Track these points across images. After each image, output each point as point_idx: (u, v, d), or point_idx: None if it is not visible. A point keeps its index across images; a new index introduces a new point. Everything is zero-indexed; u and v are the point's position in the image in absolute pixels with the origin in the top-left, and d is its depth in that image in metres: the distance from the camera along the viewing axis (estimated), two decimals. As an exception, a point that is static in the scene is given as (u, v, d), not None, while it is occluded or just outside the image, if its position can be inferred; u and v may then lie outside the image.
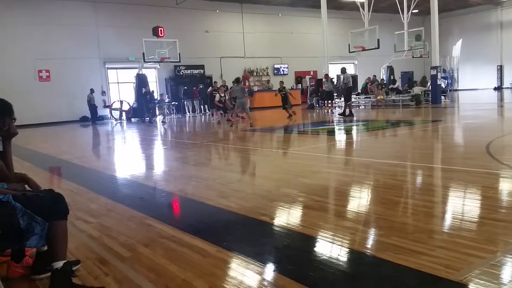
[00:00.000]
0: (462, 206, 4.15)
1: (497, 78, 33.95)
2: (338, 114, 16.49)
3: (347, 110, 16.61)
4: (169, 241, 3.51)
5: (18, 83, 20.52)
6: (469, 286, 2.44)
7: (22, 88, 20.44)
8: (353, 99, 23.68)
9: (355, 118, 15.57)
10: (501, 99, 23.59)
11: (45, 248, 2.66)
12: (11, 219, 2.25)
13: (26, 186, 2.99)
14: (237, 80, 15.49)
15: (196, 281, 2.71)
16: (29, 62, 21.49)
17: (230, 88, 17.99)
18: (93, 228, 3.99)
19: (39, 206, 2.41)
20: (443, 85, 23.60)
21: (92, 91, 21.76)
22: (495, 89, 33.01)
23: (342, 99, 18.64)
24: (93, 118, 21.83)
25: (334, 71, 25.85)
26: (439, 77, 21.11)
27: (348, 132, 12.22)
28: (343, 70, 17.37)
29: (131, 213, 4.46)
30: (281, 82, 18.87)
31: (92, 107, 21.81)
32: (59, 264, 2.49)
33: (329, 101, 21.54)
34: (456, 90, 34.38)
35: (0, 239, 2.18)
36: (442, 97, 21.84)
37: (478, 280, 2.48)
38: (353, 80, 26.72)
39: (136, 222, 4.12)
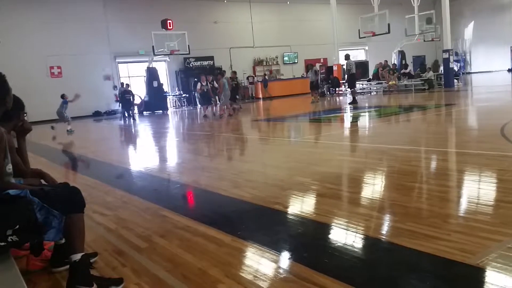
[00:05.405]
0: (477, 189, 4.11)
1: (511, 59, 33.28)
2: (349, 103, 16.36)
3: (351, 97, 16.55)
4: (184, 231, 3.54)
5: (30, 80, 20.67)
6: (485, 270, 2.42)
7: (35, 85, 20.62)
8: (364, 85, 23.59)
9: (358, 105, 15.46)
10: (515, 80, 23.17)
11: (63, 241, 2.70)
12: (29, 214, 2.28)
13: (42, 181, 3.04)
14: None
15: (212, 270, 2.73)
16: (41, 59, 21.68)
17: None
18: (110, 221, 4.04)
19: (56, 200, 2.44)
20: (455, 68, 23.25)
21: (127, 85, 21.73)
22: (509, 70, 32.40)
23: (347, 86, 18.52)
24: (127, 112, 20.95)
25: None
26: (451, 60, 20.80)
27: (360, 118, 12.14)
28: (347, 57, 17.22)
29: (146, 205, 4.51)
30: (234, 73, 18.92)
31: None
32: (77, 256, 2.53)
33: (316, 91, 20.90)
34: (469, 73, 33.90)
35: (18, 233, 2.22)
36: (455, 80, 21.53)
37: (495, 264, 2.46)
38: (363, 66, 26.69)
39: (152, 214, 4.17)
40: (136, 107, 22.97)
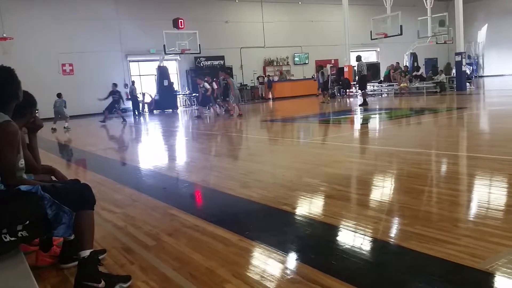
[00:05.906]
0: (488, 194, 4.06)
1: (525, 63, 32.86)
2: (359, 105, 16.27)
3: (362, 99, 16.48)
4: (192, 230, 3.55)
5: (42, 77, 20.82)
6: (495, 275, 2.40)
7: (47, 82, 20.75)
8: (375, 87, 23.46)
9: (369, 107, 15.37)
10: (529, 84, 22.88)
11: (72, 237, 2.72)
12: (40, 209, 2.30)
13: (53, 177, 3.07)
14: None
15: (219, 269, 2.74)
16: (53, 56, 21.85)
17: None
18: (118, 218, 4.07)
19: (67, 197, 2.46)
20: (468, 72, 23.02)
21: (133, 83, 21.89)
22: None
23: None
24: (137, 110, 21.29)
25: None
26: (464, 63, 20.61)
27: (370, 120, 12.08)
28: (358, 58, 17.12)
29: (155, 203, 4.53)
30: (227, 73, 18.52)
31: (134, 99, 21.63)
32: (86, 253, 2.54)
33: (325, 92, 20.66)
34: (482, 76, 33.52)
35: (28, 228, 2.24)
36: (467, 83, 21.33)
37: (505, 269, 2.44)
38: (375, 68, 26.54)
39: (160, 212, 4.18)
40: (146, 106, 23.12)
